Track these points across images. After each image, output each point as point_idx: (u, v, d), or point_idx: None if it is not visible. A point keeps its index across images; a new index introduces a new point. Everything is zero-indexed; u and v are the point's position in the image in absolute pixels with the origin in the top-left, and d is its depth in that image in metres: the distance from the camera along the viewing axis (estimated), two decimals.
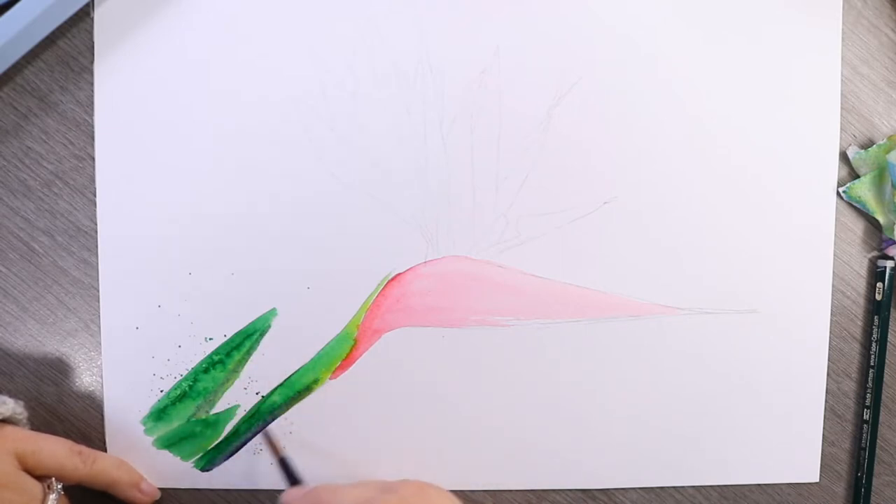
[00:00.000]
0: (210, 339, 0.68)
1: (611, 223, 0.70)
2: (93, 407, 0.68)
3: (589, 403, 0.71)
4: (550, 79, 0.69)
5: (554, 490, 0.72)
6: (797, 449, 0.73)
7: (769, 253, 0.71)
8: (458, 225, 0.69)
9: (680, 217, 0.71)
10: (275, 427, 0.69)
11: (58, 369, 0.68)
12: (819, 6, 0.71)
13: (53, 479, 0.62)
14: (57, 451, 0.63)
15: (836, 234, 0.72)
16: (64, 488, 0.63)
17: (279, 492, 0.64)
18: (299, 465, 0.68)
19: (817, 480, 0.73)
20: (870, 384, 0.73)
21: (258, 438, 0.69)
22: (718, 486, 0.72)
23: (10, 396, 0.63)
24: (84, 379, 0.68)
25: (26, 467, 0.61)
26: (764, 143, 0.71)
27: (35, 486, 0.61)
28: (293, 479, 0.66)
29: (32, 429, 0.66)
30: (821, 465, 0.73)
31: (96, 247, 0.68)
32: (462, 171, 0.69)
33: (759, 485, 0.73)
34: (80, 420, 0.68)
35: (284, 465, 0.67)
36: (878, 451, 0.73)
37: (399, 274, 0.69)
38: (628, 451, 0.72)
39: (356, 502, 0.58)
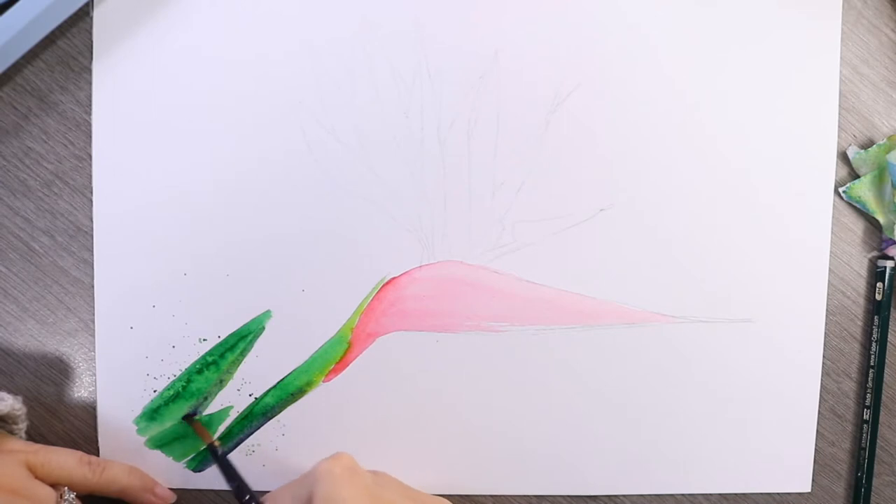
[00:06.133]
0: (204, 340, 0.68)
1: (607, 230, 0.70)
2: (91, 406, 0.69)
3: (582, 410, 0.71)
4: (549, 85, 0.69)
5: (550, 495, 0.72)
6: (790, 459, 0.72)
7: (765, 260, 0.71)
8: (454, 230, 0.69)
9: (677, 223, 0.70)
10: (266, 429, 0.70)
11: (57, 369, 0.68)
12: (819, 6, 0.71)
13: (66, 487, 0.63)
14: (66, 463, 0.64)
15: (836, 234, 0.72)
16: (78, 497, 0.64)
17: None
18: (291, 466, 0.69)
19: (809, 490, 0.73)
20: (870, 384, 0.72)
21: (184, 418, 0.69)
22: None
23: (10, 393, 0.63)
24: (84, 379, 0.68)
25: (36, 478, 0.62)
26: (762, 145, 0.70)
27: (48, 494, 0.61)
28: (226, 471, 0.67)
29: (31, 427, 0.67)
30: (821, 465, 0.73)
31: None
32: (459, 175, 0.69)
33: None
34: (80, 420, 0.69)
35: (214, 453, 0.68)
36: (878, 451, 0.73)
37: (394, 278, 0.69)
38: (622, 457, 0.72)
39: None
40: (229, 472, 0.67)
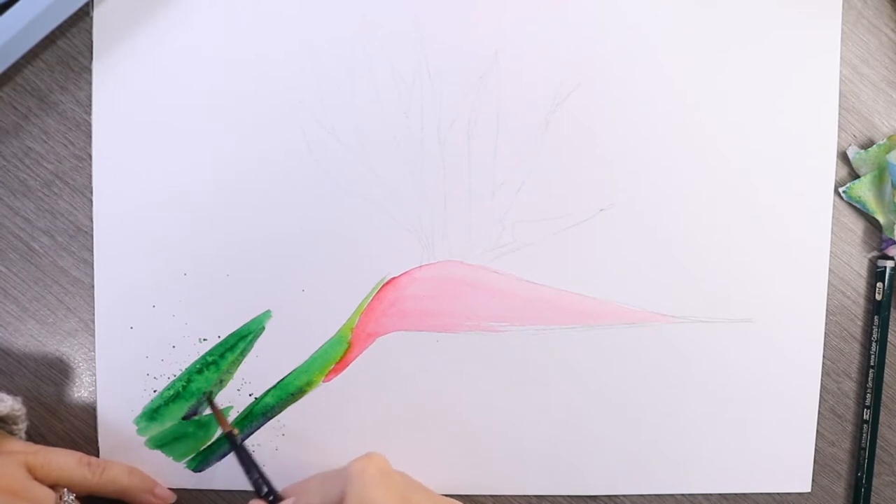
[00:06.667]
0: (204, 339, 0.68)
1: (607, 230, 0.70)
2: (91, 406, 0.69)
3: (582, 410, 0.71)
4: (549, 85, 0.69)
5: (550, 495, 0.72)
6: (790, 459, 0.73)
7: (765, 260, 0.71)
8: (454, 230, 0.69)
9: (677, 223, 0.70)
10: (266, 429, 0.70)
11: (57, 369, 0.68)
12: (819, 6, 0.71)
13: (66, 489, 0.63)
14: (65, 463, 0.64)
15: (836, 234, 0.72)
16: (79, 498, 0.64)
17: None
18: (291, 466, 0.69)
19: (809, 490, 0.73)
20: (870, 384, 0.72)
21: (203, 402, 0.69)
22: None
23: (9, 394, 0.64)
24: (84, 379, 0.68)
25: (36, 479, 0.62)
26: (762, 145, 0.70)
27: (47, 496, 0.62)
28: (244, 460, 0.67)
29: (31, 427, 0.67)
30: (821, 465, 0.73)
31: None
32: (459, 175, 0.69)
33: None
34: (80, 420, 0.69)
35: (233, 441, 0.68)
36: (878, 451, 0.73)
37: (394, 278, 0.69)
38: (622, 457, 0.72)
39: None
40: (247, 461, 0.67)
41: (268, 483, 0.66)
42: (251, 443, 0.69)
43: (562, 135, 0.69)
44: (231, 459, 0.69)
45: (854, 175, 0.72)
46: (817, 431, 0.73)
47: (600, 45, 0.69)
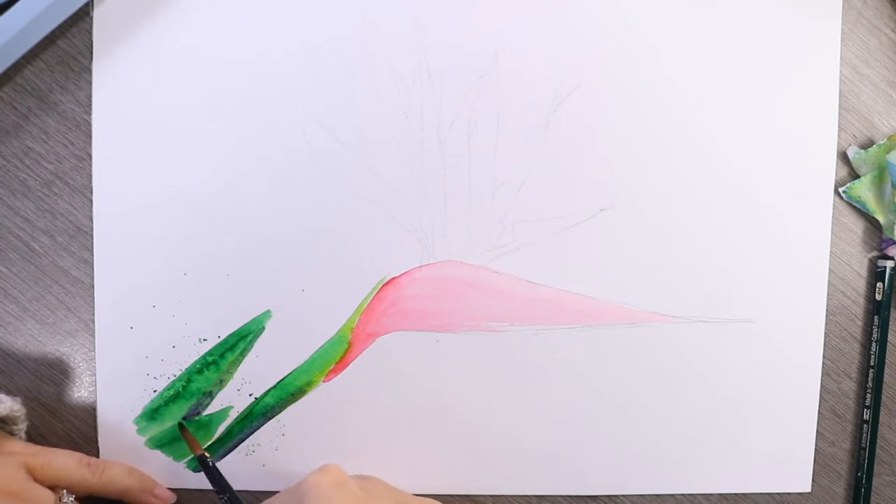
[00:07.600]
0: (204, 339, 0.68)
1: (607, 230, 0.70)
2: (91, 406, 0.69)
3: (582, 410, 0.71)
4: (549, 85, 0.69)
5: (550, 495, 0.72)
6: (790, 459, 0.72)
7: (765, 260, 0.71)
8: (454, 230, 0.69)
9: (677, 223, 0.70)
10: (266, 429, 0.70)
11: (57, 369, 0.68)
12: (819, 6, 0.70)
13: (65, 490, 0.63)
14: (65, 464, 0.64)
15: (836, 234, 0.72)
16: (78, 498, 0.64)
17: (272, 493, 0.64)
18: (291, 466, 0.69)
19: (809, 490, 0.73)
20: (870, 384, 0.72)
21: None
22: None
23: (8, 395, 0.63)
24: (84, 379, 0.68)
25: (36, 479, 0.62)
26: (762, 145, 0.70)
27: (47, 497, 0.62)
28: (217, 482, 0.66)
29: (31, 427, 0.67)
30: (821, 465, 0.73)
31: None
32: (459, 175, 0.69)
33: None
34: (80, 420, 0.69)
35: (204, 464, 0.67)
36: (878, 451, 0.73)
37: (394, 278, 0.69)
38: (622, 457, 0.72)
39: None
40: (219, 482, 0.66)
41: (238, 501, 0.66)
42: (251, 442, 0.69)
43: (562, 135, 0.69)
44: (231, 459, 0.69)
45: (854, 175, 0.72)
46: (817, 431, 0.73)
47: (600, 45, 0.69)
